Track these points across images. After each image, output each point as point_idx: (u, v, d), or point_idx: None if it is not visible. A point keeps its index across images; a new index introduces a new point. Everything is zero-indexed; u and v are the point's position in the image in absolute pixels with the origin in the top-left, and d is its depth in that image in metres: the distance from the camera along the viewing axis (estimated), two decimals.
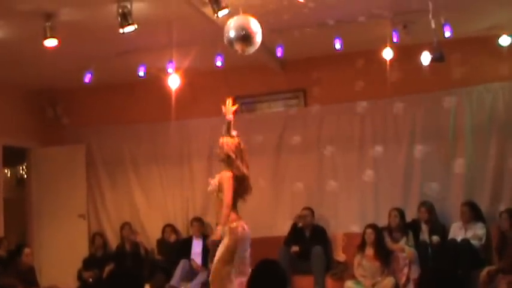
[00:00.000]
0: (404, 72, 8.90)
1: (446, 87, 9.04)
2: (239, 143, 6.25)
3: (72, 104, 10.91)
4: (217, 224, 6.19)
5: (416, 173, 9.14)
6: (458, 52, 8.63)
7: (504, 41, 8.52)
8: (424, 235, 8.57)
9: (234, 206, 6.10)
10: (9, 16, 7.06)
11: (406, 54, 8.48)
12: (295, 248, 8.88)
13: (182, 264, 9.14)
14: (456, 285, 3.16)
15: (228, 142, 6.23)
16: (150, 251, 10.02)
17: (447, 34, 7.54)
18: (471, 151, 8.90)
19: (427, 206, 8.65)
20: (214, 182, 6.17)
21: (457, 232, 8.44)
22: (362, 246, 8.51)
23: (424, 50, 8.03)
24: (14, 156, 11.14)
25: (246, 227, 6.07)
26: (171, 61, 8.51)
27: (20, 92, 10.56)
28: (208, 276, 8.94)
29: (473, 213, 8.43)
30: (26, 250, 8.38)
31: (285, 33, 8.01)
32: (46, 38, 6.95)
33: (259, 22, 5.40)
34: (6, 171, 11.85)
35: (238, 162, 6.14)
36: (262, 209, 9.56)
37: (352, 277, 8.44)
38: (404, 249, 8.33)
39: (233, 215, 6.05)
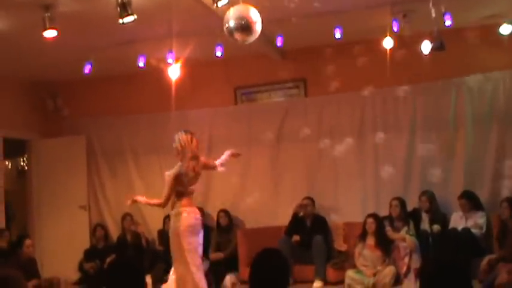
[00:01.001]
0: (405, 61, 8.86)
1: (446, 76, 9.02)
2: (191, 139, 6.66)
3: (72, 96, 10.91)
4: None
5: (417, 162, 9.14)
6: (459, 41, 8.60)
7: (505, 29, 8.46)
8: (425, 224, 8.58)
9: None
10: (8, 7, 7.03)
11: (407, 43, 8.45)
12: (296, 238, 8.91)
13: None
14: (457, 273, 3.15)
15: (183, 138, 6.63)
16: (151, 241, 10.04)
17: (447, 23, 7.51)
18: (472, 140, 8.90)
19: (428, 195, 8.66)
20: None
21: (457, 221, 8.45)
22: (363, 236, 8.51)
23: (425, 39, 8.01)
24: (15, 148, 11.15)
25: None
26: (170, 51, 8.48)
27: (20, 84, 10.55)
28: (207, 266, 9.03)
29: (471, 203, 8.43)
30: (27, 241, 8.39)
31: (285, 23, 7.98)
32: (45, 29, 6.92)
33: (259, 11, 5.38)
34: (7, 163, 11.86)
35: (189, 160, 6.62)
36: (263, 199, 9.60)
37: (353, 266, 8.44)
38: (405, 238, 8.33)
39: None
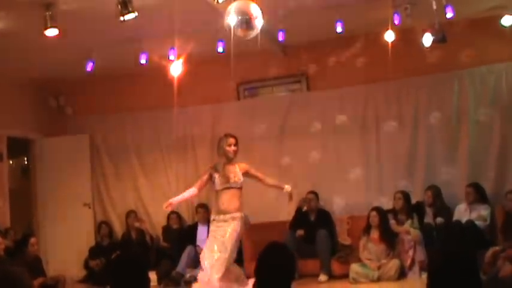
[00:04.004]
0: (407, 54, 8.86)
1: (448, 69, 9.01)
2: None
3: (75, 94, 10.93)
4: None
5: (421, 155, 9.14)
6: (460, 33, 8.57)
7: (506, 21, 8.42)
8: (429, 218, 8.57)
9: None
10: (10, 7, 7.04)
11: (408, 36, 8.44)
12: (300, 232, 8.91)
13: (188, 250, 9.17)
14: (466, 265, 3.11)
15: None
16: (155, 238, 10.05)
17: (449, 15, 7.50)
18: (475, 132, 8.89)
19: (433, 190, 8.63)
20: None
21: (461, 214, 8.44)
22: (367, 229, 8.52)
23: (426, 31, 7.99)
24: (18, 147, 11.16)
25: None
26: (172, 48, 8.48)
27: (23, 83, 10.55)
28: None
29: (477, 194, 8.42)
30: (32, 240, 8.40)
31: (286, 18, 7.97)
32: (47, 28, 6.93)
33: (260, 7, 5.38)
34: (11, 162, 11.87)
35: None
36: (267, 194, 9.58)
37: (358, 260, 8.46)
38: (409, 231, 8.33)
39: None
